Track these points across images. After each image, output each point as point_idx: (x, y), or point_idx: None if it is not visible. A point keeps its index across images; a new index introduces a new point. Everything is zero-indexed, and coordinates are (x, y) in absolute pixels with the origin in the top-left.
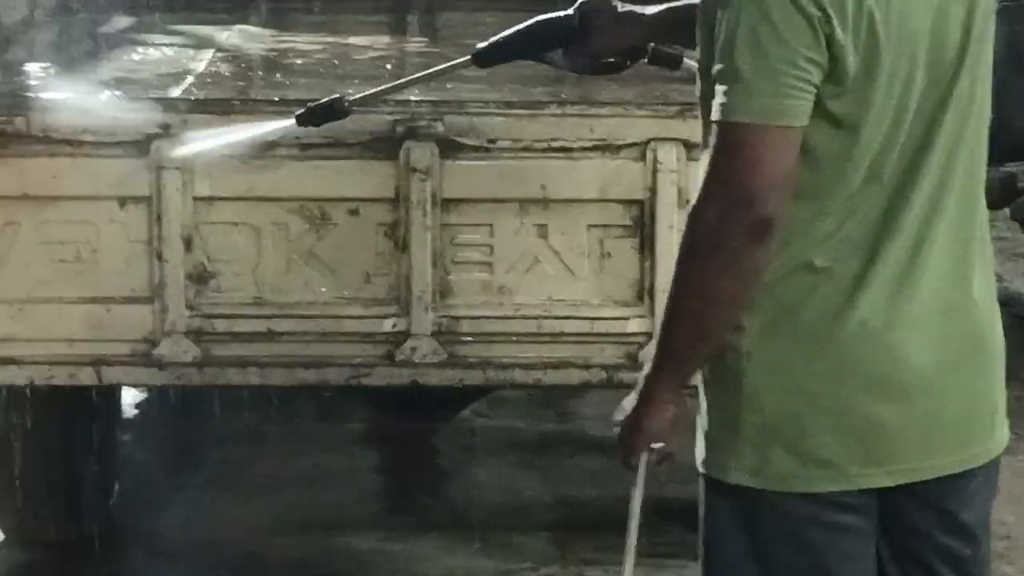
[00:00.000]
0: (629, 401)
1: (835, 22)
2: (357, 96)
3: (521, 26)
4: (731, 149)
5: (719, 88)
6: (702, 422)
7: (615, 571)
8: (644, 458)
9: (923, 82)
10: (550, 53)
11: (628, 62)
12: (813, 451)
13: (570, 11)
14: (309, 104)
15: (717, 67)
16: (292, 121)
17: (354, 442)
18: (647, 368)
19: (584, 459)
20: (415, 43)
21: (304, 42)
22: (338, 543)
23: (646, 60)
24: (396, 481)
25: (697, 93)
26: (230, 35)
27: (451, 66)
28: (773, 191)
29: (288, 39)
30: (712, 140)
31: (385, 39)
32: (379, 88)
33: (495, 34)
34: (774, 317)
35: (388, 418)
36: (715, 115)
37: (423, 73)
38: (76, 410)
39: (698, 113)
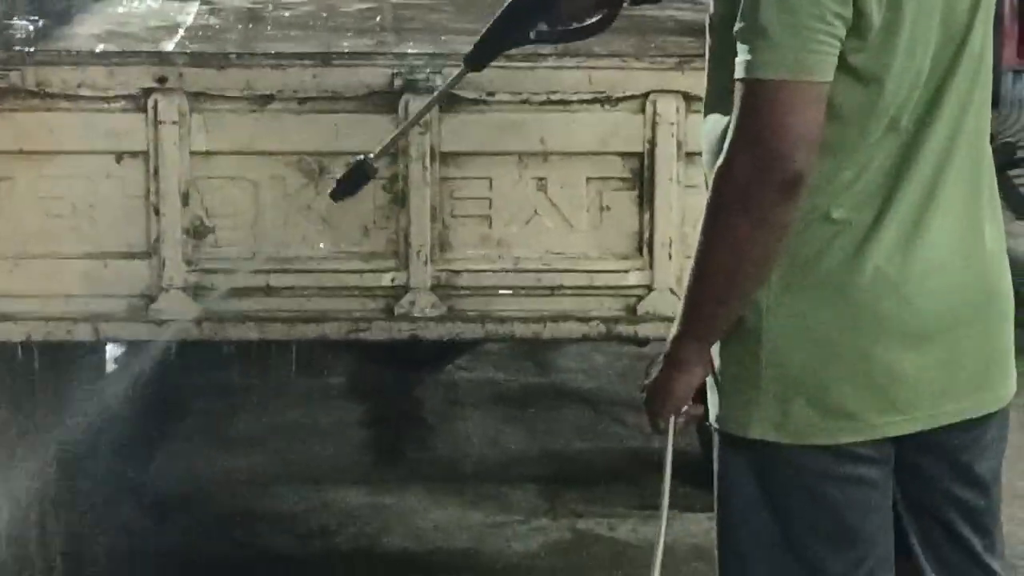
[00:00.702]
0: (656, 365)
1: None
2: (378, 150)
3: (498, 15)
4: (759, 106)
5: (743, 46)
6: (716, 379)
7: (605, 523)
8: (673, 421)
9: (939, 36)
10: (535, 31)
11: (611, 17)
12: (835, 402)
13: None
14: (337, 179)
15: (739, 25)
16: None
17: (336, 396)
18: (673, 331)
19: (568, 411)
20: None
21: None
22: (328, 496)
23: (627, 3)
24: (381, 435)
25: (708, 46)
26: None
27: (451, 83)
28: (803, 146)
29: None
30: (738, 98)
31: None
32: (396, 133)
33: None
34: (793, 270)
35: (369, 371)
36: (739, 72)
37: (429, 101)
38: (64, 364)
39: (698, 65)
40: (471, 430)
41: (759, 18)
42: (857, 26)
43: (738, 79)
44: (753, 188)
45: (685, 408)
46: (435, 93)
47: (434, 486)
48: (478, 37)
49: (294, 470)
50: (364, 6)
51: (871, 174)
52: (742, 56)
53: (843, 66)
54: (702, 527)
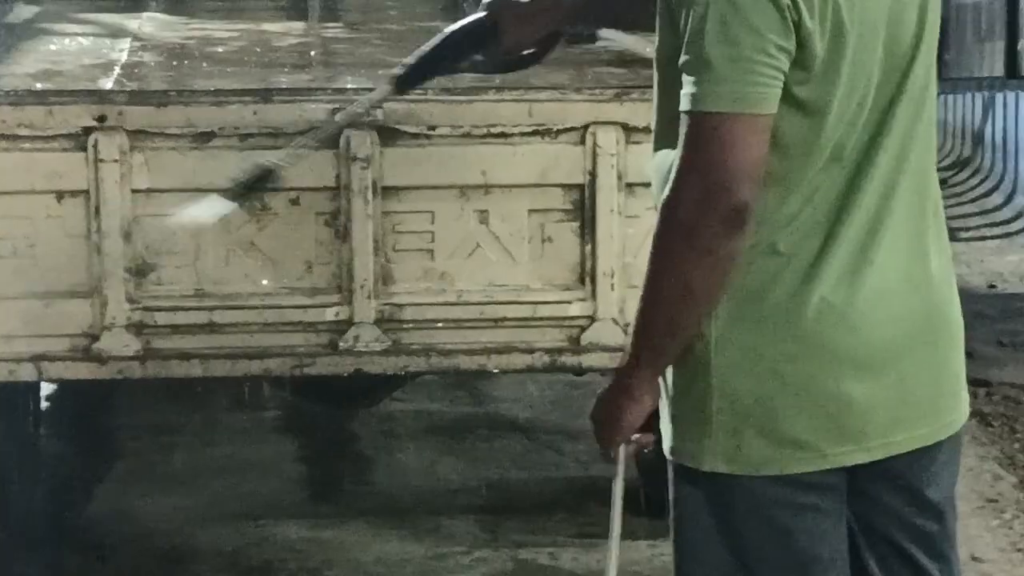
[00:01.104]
0: (604, 393)
1: (803, 9)
2: (283, 155)
3: (434, 40)
4: (704, 139)
5: (687, 79)
6: (669, 410)
7: (546, 552)
8: (623, 450)
9: (881, 69)
10: (467, 60)
11: (547, 50)
12: (787, 433)
13: (479, 13)
14: (237, 179)
15: (684, 58)
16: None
17: (270, 431)
18: (622, 361)
19: (504, 441)
20: (331, 29)
21: (218, 29)
22: (267, 532)
23: (564, 42)
24: (318, 468)
25: (656, 80)
26: (141, 23)
27: (372, 99)
28: (747, 179)
29: (200, 27)
30: (682, 131)
31: (299, 25)
32: (302, 139)
33: (399, 17)
34: (740, 302)
35: (303, 405)
36: (684, 105)
37: (345, 113)
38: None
39: (636, 96)
40: (408, 462)
41: (703, 51)
42: (800, 58)
43: (683, 112)
44: (698, 220)
45: (635, 436)
46: (355, 106)
47: (374, 519)
48: (408, 59)
49: (232, 506)
50: (295, 41)
51: (815, 205)
52: (687, 89)
53: (787, 98)
54: (643, 555)
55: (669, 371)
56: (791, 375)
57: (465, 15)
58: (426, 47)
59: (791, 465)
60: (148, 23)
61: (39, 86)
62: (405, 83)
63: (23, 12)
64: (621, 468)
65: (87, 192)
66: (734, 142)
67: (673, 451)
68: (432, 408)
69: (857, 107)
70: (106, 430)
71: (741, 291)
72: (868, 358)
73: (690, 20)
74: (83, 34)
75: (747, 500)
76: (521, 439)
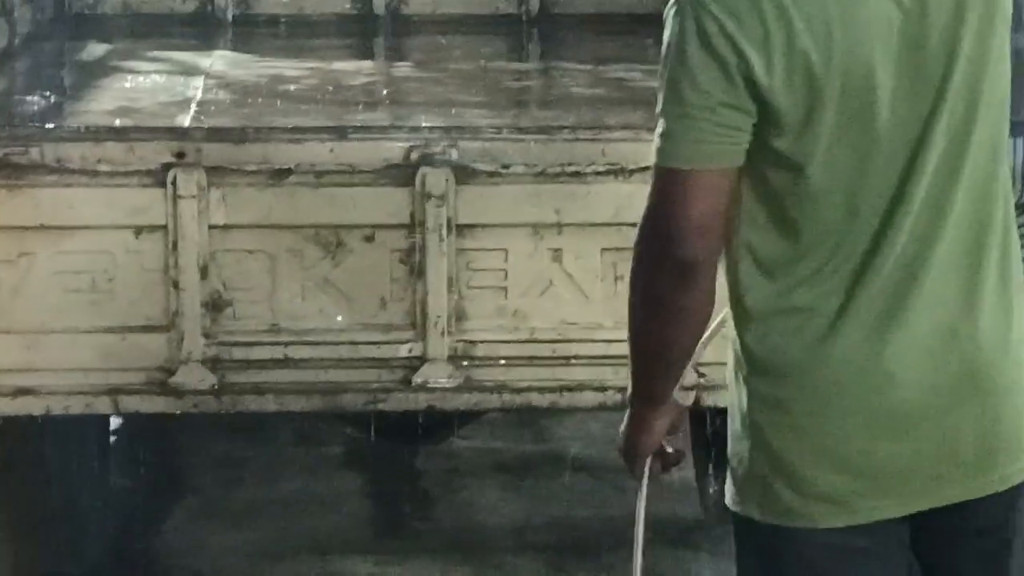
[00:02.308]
0: (623, 425)
1: (755, 67)
2: None
3: None
4: (657, 193)
5: (655, 133)
6: (728, 458)
7: None
8: (646, 470)
9: (892, 113)
10: None
11: None
12: (813, 487)
13: None
14: None
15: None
16: None
17: (336, 466)
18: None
19: (569, 479)
20: (400, 68)
21: (289, 67)
22: (334, 567)
23: None
24: (383, 505)
25: None
26: (212, 61)
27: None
28: (695, 233)
29: (271, 64)
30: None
31: (368, 64)
32: None
33: (464, 56)
34: (764, 356)
35: (368, 442)
36: (651, 159)
37: None
38: (73, 439)
39: None
40: (472, 499)
41: (659, 109)
42: (765, 112)
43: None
44: (648, 271)
45: (659, 453)
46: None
47: (440, 556)
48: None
49: (298, 541)
50: (366, 79)
51: (838, 260)
52: (653, 144)
53: (766, 150)
54: None
55: (728, 418)
56: (816, 431)
57: (529, 55)
58: None
59: (820, 519)
60: (219, 61)
61: (118, 123)
62: None
63: (95, 50)
64: (644, 484)
65: (165, 227)
66: (682, 197)
67: (727, 498)
68: (495, 446)
69: (859, 157)
70: (171, 465)
71: (766, 345)
72: (896, 417)
73: (658, 77)
74: (155, 72)
75: (792, 547)
76: (585, 477)
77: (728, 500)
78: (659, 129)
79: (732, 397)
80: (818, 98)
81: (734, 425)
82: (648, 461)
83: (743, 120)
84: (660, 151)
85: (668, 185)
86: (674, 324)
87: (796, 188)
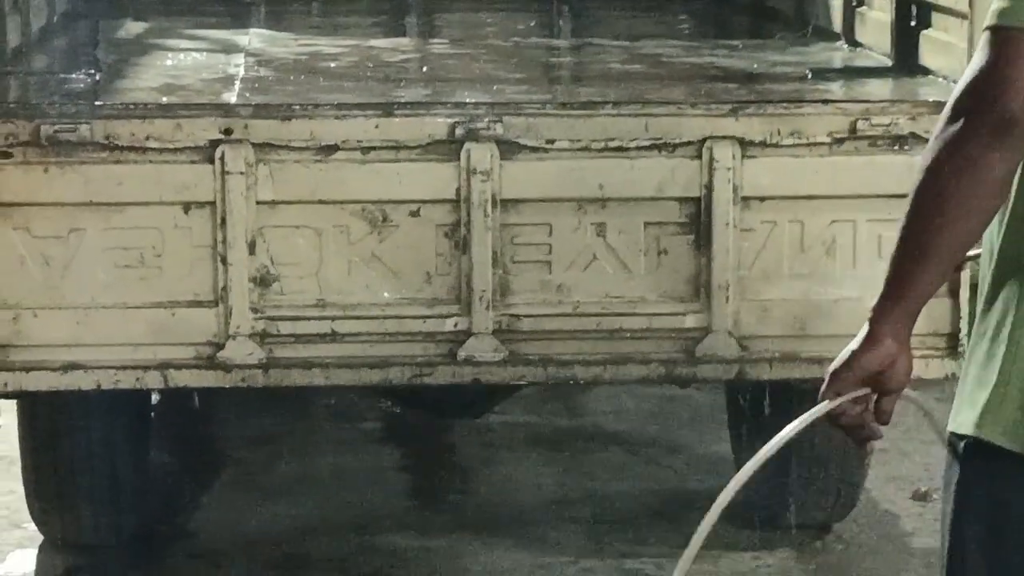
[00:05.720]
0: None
1: None
2: None
3: None
4: (988, 52)
5: None
6: (961, 386)
7: (652, 563)
8: (835, 398)
9: None
10: None
11: None
12: None
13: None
14: None
15: None
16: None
17: (371, 441)
18: (873, 303)
19: (604, 454)
20: (436, 45)
21: (327, 45)
22: (375, 542)
23: None
24: (420, 478)
25: None
26: (250, 39)
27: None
28: (1018, 94)
29: (309, 42)
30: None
31: (405, 41)
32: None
33: (498, 32)
34: None
35: (407, 416)
36: (987, 21)
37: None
38: (116, 412)
39: (751, 111)
40: (509, 473)
41: None
42: None
43: (985, 27)
44: (964, 129)
45: (863, 392)
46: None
47: (479, 528)
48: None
49: (337, 515)
50: (404, 56)
51: None
52: (993, 5)
53: None
54: (747, 566)
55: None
56: None
57: (562, 32)
58: None
59: None
60: (256, 39)
61: (165, 100)
62: None
63: (133, 28)
64: (817, 410)
65: (213, 203)
66: (1014, 59)
67: (954, 423)
68: (530, 420)
69: None
70: (210, 439)
71: None
72: None
73: None
74: (196, 49)
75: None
76: (620, 451)
77: (959, 424)
78: None
79: (986, 316)
80: None
81: (981, 345)
82: (848, 397)
83: None
84: (1002, 12)
85: (1005, 47)
86: (980, 190)
87: None
